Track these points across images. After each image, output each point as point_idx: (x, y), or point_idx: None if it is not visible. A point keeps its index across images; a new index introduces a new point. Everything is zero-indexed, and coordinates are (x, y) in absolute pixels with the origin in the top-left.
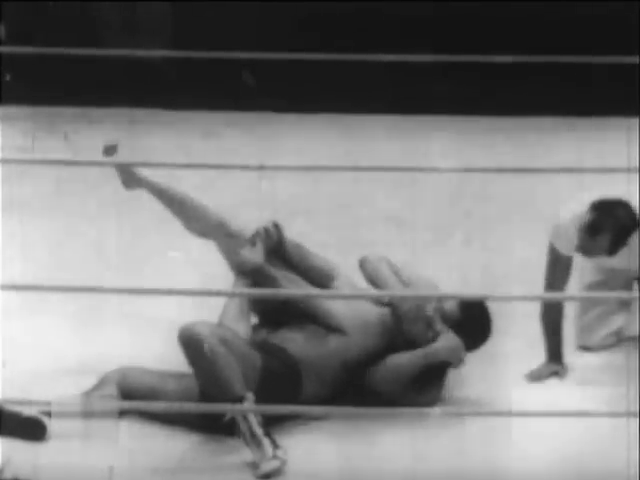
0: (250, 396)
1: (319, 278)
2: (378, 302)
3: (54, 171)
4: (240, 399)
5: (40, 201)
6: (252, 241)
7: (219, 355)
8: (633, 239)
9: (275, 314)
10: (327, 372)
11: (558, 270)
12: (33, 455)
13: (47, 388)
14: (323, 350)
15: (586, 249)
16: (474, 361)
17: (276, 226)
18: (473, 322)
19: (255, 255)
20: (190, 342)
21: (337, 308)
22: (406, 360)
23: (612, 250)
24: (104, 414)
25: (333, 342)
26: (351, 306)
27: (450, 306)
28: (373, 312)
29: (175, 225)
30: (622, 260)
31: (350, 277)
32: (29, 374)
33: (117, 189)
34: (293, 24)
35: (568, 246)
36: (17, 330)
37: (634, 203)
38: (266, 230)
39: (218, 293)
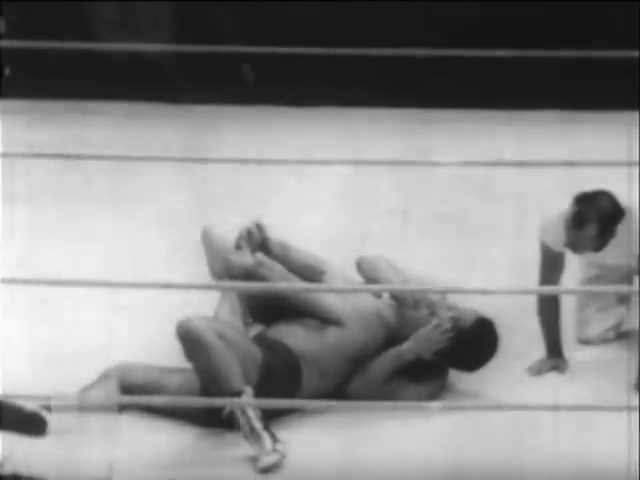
0: (249, 390)
1: (308, 274)
2: (378, 297)
3: (54, 165)
4: (238, 393)
5: (40, 195)
6: (237, 244)
7: (217, 350)
8: (621, 229)
9: (271, 312)
10: (327, 365)
11: (550, 266)
12: (33, 450)
13: (47, 383)
14: (322, 343)
15: (575, 244)
16: None
17: (258, 226)
18: (481, 341)
19: (244, 258)
20: (188, 337)
21: (333, 301)
22: (376, 365)
23: (600, 240)
24: (104, 409)
25: (332, 334)
26: (347, 299)
27: (465, 321)
28: (370, 304)
29: (174, 220)
30: (614, 255)
31: (341, 271)
32: (29, 369)
33: (116, 183)
34: (293, 18)
35: (557, 242)
36: (17, 325)
37: (627, 195)
38: (249, 231)
39: (217, 287)
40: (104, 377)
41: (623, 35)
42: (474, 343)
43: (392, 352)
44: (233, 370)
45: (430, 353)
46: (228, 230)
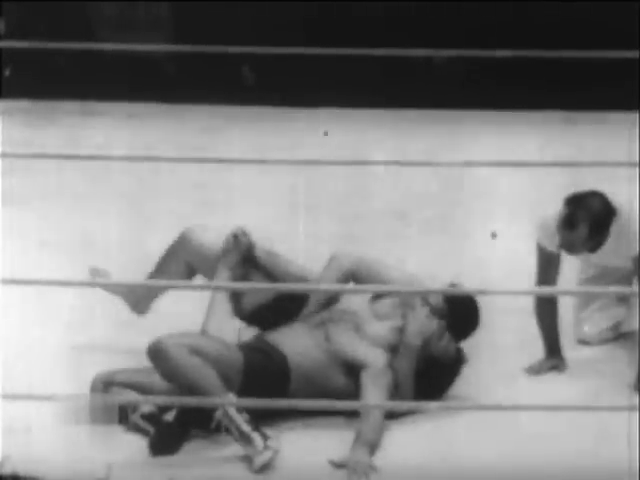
0: (231, 397)
1: (292, 281)
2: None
3: (54, 165)
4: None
5: (40, 195)
6: (224, 250)
7: (191, 366)
8: (615, 229)
9: (270, 317)
10: (317, 375)
11: (547, 266)
12: (32, 450)
13: (43, 385)
14: (316, 354)
15: (568, 245)
16: (473, 355)
17: (244, 233)
18: (460, 312)
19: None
20: (158, 357)
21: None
22: (401, 364)
23: (594, 241)
24: (101, 410)
25: (330, 354)
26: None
27: (435, 299)
28: (382, 338)
29: (174, 221)
30: (612, 256)
31: (327, 279)
32: (27, 370)
33: (117, 183)
34: (292, 19)
35: (552, 242)
36: (15, 325)
37: (625, 196)
38: (235, 237)
39: (217, 287)
40: (96, 381)
41: (623, 35)
42: (453, 315)
43: (402, 351)
44: (211, 382)
45: (432, 326)
46: (220, 233)
